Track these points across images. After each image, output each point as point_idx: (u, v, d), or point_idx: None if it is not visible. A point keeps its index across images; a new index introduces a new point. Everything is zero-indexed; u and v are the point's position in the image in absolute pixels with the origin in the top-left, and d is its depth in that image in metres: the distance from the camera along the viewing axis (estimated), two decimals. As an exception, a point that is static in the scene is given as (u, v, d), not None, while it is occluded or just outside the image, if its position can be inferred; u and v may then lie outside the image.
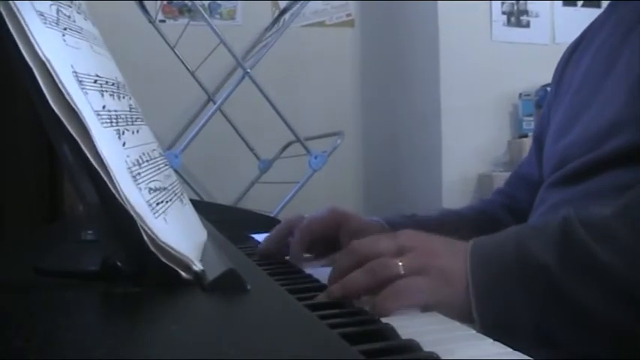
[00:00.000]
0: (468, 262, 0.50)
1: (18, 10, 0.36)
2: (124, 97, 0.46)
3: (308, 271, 0.63)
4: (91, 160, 0.36)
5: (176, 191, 0.51)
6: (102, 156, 0.37)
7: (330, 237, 0.72)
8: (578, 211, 0.52)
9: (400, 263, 0.50)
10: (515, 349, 0.38)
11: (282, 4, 2.79)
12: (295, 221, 0.74)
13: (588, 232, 0.49)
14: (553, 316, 0.48)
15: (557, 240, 0.49)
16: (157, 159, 0.48)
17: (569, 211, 0.52)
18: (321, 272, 0.59)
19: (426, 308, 0.48)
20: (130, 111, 0.46)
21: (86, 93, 0.38)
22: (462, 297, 0.49)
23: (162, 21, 2.82)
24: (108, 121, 0.40)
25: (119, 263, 0.40)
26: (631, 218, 0.49)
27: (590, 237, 0.48)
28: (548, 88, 0.91)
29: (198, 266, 0.40)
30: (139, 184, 0.40)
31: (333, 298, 0.49)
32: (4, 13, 0.35)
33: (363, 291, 0.49)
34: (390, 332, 0.39)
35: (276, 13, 2.87)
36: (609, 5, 0.79)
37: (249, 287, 0.40)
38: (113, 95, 0.43)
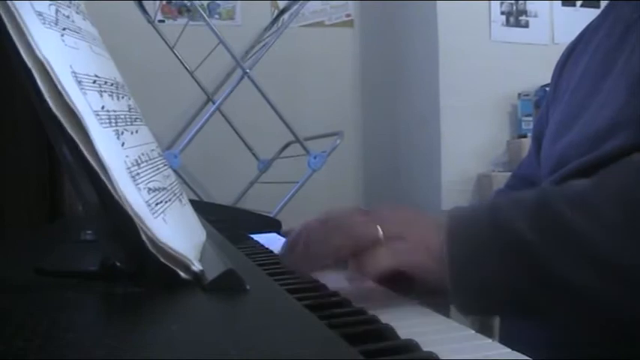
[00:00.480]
0: (445, 228, 0.52)
1: (17, 10, 0.36)
2: (122, 98, 0.46)
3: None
4: (90, 160, 0.36)
5: (175, 191, 0.51)
6: (101, 156, 0.37)
7: None
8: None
9: (379, 228, 0.51)
10: (514, 349, 0.38)
11: (282, 4, 2.78)
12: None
13: (565, 202, 0.49)
14: (527, 283, 0.48)
15: (533, 209, 0.50)
16: (156, 159, 0.48)
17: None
18: (321, 273, 0.59)
19: (405, 268, 0.51)
20: (129, 111, 0.46)
21: (85, 93, 0.38)
22: (439, 263, 0.50)
23: (162, 21, 2.81)
24: (107, 121, 0.40)
25: (118, 263, 0.40)
26: (609, 189, 0.50)
27: (567, 206, 0.49)
28: (547, 88, 0.91)
29: (197, 266, 0.40)
30: (138, 184, 0.40)
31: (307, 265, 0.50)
32: (2, 13, 0.35)
33: (345, 253, 0.50)
34: (389, 332, 0.39)
35: (275, 13, 2.87)
36: (607, 5, 0.79)
37: (248, 287, 0.40)
38: (112, 95, 0.43)
